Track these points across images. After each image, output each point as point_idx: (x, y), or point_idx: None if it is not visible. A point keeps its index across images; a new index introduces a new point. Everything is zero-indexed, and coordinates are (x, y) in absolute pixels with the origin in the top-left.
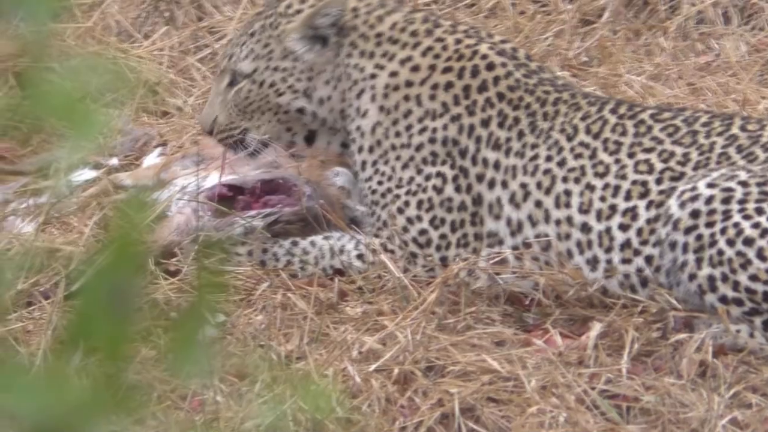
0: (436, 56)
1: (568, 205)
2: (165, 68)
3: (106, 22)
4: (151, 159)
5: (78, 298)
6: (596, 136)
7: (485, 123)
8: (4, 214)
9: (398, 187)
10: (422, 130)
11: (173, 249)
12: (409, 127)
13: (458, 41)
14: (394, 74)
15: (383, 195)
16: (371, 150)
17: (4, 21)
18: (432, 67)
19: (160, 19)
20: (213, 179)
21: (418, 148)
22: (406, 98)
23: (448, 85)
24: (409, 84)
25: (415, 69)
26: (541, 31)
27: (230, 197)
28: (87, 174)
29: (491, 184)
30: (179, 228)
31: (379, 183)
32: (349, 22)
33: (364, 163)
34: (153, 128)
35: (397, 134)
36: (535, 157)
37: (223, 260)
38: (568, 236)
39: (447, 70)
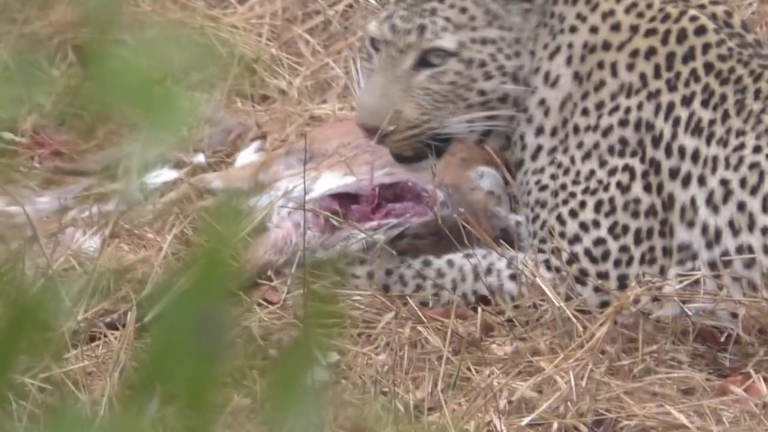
0: (640, 15)
1: None
2: (265, 41)
3: None
4: (247, 155)
5: (153, 332)
6: None
7: (687, 101)
8: (63, 224)
9: (575, 183)
10: (614, 110)
11: (270, 271)
12: (599, 105)
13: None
14: (594, 30)
15: (555, 193)
16: (553, 133)
17: None
18: (634, 29)
19: None
20: (325, 181)
21: (606, 132)
22: (600, 65)
23: (650, 52)
24: (606, 46)
25: (616, 28)
26: None
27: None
28: (166, 175)
29: (686, 181)
30: (276, 245)
31: (553, 177)
32: None
33: (538, 149)
34: (249, 117)
35: (585, 112)
36: (740, 147)
37: (336, 284)
38: None
39: (650, 32)
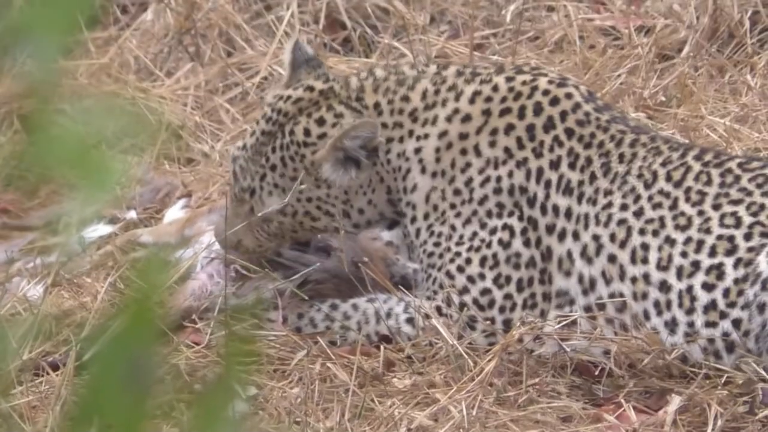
0: (488, 99)
1: (645, 261)
2: (190, 110)
3: (123, 58)
4: (174, 212)
5: (90, 369)
6: (678, 185)
7: (554, 165)
8: (9, 274)
9: (458, 244)
10: (485, 182)
11: (190, 316)
12: (469, 181)
13: (510, 79)
14: (443, 134)
15: (440, 255)
16: (426, 216)
17: (8, 58)
18: (486, 112)
19: (184, 54)
20: None
21: (482, 201)
22: (463, 152)
23: (509, 128)
24: (463, 137)
25: (467, 119)
26: (613, 68)
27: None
28: (101, 229)
29: (562, 236)
30: (195, 293)
31: (436, 245)
32: (380, 135)
33: (418, 231)
34: (176, 177)
35: (456, 192)
36: (608, 205)
37: (253, 326)
38: (645, 295)
39: (505, 111)
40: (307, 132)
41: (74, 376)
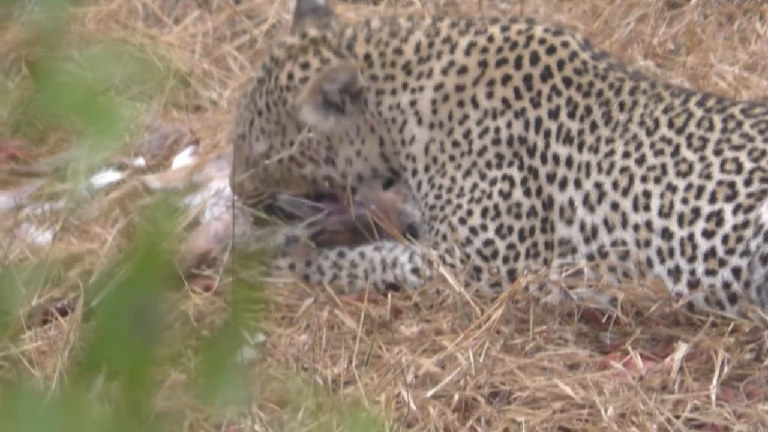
0: (484, 50)
1: (647, 208)
2: (198, 57)
3: (131, 5)
4: (182, 159)
5: (98, 315)
6: (680, 131)
7: (553, 114)
8: (17, 220)
9: (459, 196)
10: (483, 133)
11: (210, 258)
12: (467, 133)
13: (505, 28)
14: (439, 87)
15: (442, 208)
16: (427, 169)
17: (16, 5)
18: (483, 63)
19: (192, 1)
20: None
21: (481, 152)
22: (460, 103)
23: (506, 79)
24: (460, 88)
25: (463, 71)
26: (621, 16)
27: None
28: (110, 176)
29: (563, 184)
30: (217, 236)
31: (437, 197)
32: (365, 80)
33: (419, 183)
34: (184, 124)
35: (455, 144)
36: (610, 153)
37: (262, 273)
38: (647, 243)
39: (501, 62)
40: (290, 76)
41: (82, 321)
